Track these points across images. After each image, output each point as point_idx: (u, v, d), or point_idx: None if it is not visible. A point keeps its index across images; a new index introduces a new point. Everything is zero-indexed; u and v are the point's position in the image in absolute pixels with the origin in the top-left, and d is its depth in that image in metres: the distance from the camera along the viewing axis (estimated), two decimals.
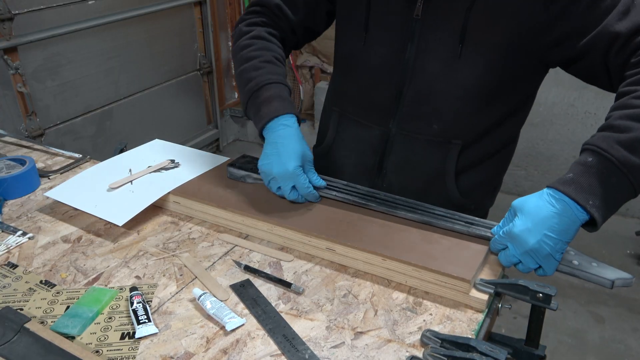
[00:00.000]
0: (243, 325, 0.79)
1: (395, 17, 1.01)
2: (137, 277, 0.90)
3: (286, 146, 0.99)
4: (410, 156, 1.09)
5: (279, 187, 1.01)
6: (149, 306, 0.82)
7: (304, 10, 1.15)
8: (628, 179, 0.78)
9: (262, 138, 1.06)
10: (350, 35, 1.10)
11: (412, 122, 1.05)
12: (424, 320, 0.80)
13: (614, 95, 0.90)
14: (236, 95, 3.67)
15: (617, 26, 0.85)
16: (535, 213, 0.80)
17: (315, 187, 1.02)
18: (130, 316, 0.80)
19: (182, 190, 1.08)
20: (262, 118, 1.03)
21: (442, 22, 0.96)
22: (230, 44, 3.47)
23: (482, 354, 0.68)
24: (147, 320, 0.78)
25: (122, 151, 1.28)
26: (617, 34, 0.85)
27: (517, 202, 0.84)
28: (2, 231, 1.03)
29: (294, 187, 1.00)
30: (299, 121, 1.05)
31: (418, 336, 0.76)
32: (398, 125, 1.07)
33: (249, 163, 1.12)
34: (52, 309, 0.83)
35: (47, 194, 1.10)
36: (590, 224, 0.80)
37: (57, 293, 0.86)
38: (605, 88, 0.94)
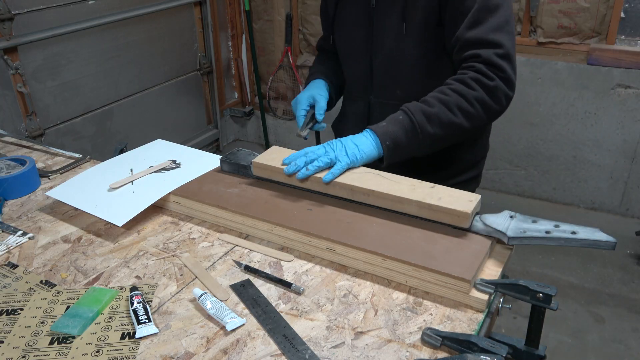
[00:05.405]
0: (243, 325, 0.79)
1: (359, 10, 1.29)
2: (137, 277, 0.90)
3: (305, 89, 1.34)
4: None
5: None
6: (149, 306, 0.82)
7: (330, 41, 1.44)
8: (418, 138, 1.09)
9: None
10: (341, 34, 1.37)
11: (384, 91, 1.32)
12: (424, 320, 0.80)
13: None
14: (236, 95, 3.67)
15: (463, 33, 1.13)
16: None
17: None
18: (130, 316, 0.80)
19: (183, 191, 1.08)
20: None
21: (389, 8, 1.23)
22: (230, 44, 3.48)
23: (483, 349, 0.68)
24: (147, 320, 0.78)
25: (122, 151, 1.28)
26: (461, 39, 1.13)
27: None
28: (2, 231, 1.03)
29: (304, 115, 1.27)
30: (329, 85, 1.35)
31: (418, 336, 0.76)
32: (375, 96, 1.34)
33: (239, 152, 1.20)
34: (52, 309, 0.83)
35: (48, 193, 1.11)
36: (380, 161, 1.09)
37: (57, 293, 0.86)
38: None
